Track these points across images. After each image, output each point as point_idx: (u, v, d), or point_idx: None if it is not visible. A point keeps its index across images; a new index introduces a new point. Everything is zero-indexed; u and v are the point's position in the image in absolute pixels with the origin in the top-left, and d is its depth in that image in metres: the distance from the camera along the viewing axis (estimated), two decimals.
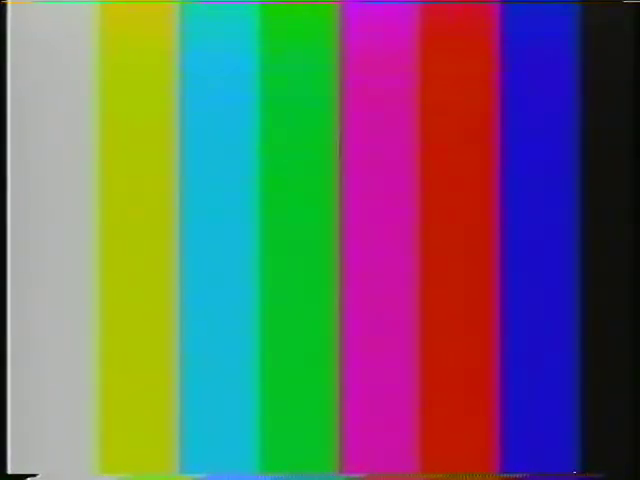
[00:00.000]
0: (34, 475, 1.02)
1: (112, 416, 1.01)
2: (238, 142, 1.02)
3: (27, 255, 1.01)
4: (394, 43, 1.01)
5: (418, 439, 1.01)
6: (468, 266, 1.01)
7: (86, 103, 1.02)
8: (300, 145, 1.01)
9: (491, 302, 1.01)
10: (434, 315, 1.01)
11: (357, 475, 1.01)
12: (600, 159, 1.01)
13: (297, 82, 1.02)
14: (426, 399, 1.01)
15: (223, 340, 1.01)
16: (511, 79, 1.01)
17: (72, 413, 1.01)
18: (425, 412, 1.01)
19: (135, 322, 1.01)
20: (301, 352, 1.01)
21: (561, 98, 1.01)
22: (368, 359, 1.01)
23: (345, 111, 1.02)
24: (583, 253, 1.01)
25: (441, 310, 1.01)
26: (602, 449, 1.01)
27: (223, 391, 1.01)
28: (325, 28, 1.02)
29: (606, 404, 1.01)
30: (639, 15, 1.02)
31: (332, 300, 1.01)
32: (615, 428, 1.01)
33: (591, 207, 1.01)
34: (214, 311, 1.01)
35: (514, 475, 1.01)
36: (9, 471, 1.02)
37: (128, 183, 1.02)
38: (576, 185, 1.01)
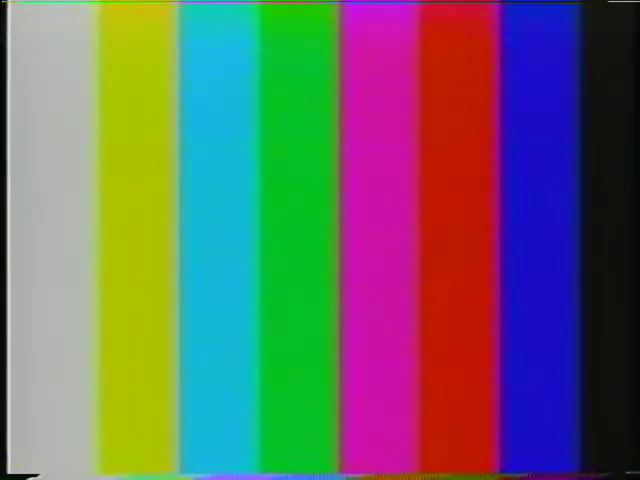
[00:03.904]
0: (34, 475, 1.01)
1: (112, 416, 1.01)
2: (238, 142, 1.02)
3: (27, 254, 1.01)
4: (394, 43, 1.01)
5: (418, 439, 1.01)
6: (468, 265, 1.01)
7: (86, 103, 1.02)
8: (300, 145, 1.01)
9: (491, 302, 1.01)
10: (434, 315, 1.01)
11: (357, 475, 1.01)
12: (600, 158, 1.01)
13: (297, 82, 1.02)
14: (426, 399, 1.01)
15: (223, 340, 1.01)
16: (511, 78, 1.01)
17: (72, 413, 1.01)
18: (425, 412, 1.01)
19: (135, 322, 1.01)
20: (301, 352, 1.01)
21: (561, 97, 1.01)
22: (368, 359, 1.01)
23: (345, 111, 1.02)
24: (583, 252, 1.01)
25: (441, 310, 1.01)
26: (602, 448, 1.01)
27: (223, 391, 1.01)
28: (325, 28, 1.02)
29: (606, 403, 1.01)
30: (639, 15, 1.02)
31: (332, 300, 1.01)
32: (615, 427, 1.01)
33: (591, 206, 1.01)
34: (214, 311, 1.01)
35: (514, 475, 1.01)
36: (9, 471, 1.02)
37: (128, 183, 1.02)
38: (576, 184, 1.01)
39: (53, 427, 1.01)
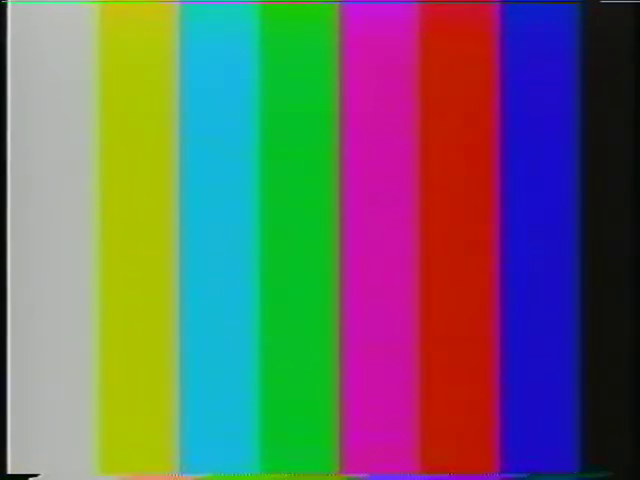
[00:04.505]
0: (34, 475, 1.02)
1: (112, 416, 1.01)
2: (238, 142, 1.02)
3: (27, 254, 1.02)
4: (394, 43, 1.01)
5: (418, 439, 1.01)
6: (468, 265, 1.01)
7: (86, 103, 1.02)
8: (300, 145, 1.01)
9: (491, 302, 1.01)
10: (434, 315, 1.01)
11: (357, 475, 1.01)
12: (600, 158, 1.01)
13: (297, 82, 1.02)
14: (426, 399, 1.01)
15: (223, 340, 1.01)
16: (511, 78, 1.01)
17: (72, 413, 1.01)
18: (425, 412, 1.01)
19: (135, 322, 1.01)
20: (301, 352, 1.01)
21: (561, 97, 1.01)
22: (368, 359, 1.01)
23: (345, 111, 1.02)
24: (583, 252, 1.01)
25: (441, 310, 1.01)
26: (602, 448, 1.01)
27: (223, 391, 1.01)
28: (325, 29, 1.02)
29: (606, 403, 1.01)
30: (639, 15, 1.02)
31: (332, 300, 1.01)
32: (615, 427, 1.01)
33: (591, 206, 1.01)
34: (214, 311, 1.01)
35: (514, 475, 1.01)
36: (9, 471, 1.02)
37: (128, 183, 1.02)
38: (576, 184, 1.01)
39: (53, 427, 1.01)
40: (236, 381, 1.01)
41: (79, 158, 1.02)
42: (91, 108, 1.02)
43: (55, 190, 1.02)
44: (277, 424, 1.01)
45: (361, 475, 1.01)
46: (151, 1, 1.02)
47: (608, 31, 1.01)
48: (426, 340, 1.01)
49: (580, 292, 1.01)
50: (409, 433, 1.01)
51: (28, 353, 1.01)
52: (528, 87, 1.01)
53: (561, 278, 1.01)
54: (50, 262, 1.01)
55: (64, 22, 1.02)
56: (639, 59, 1.02)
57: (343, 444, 1.01)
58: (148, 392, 1.01)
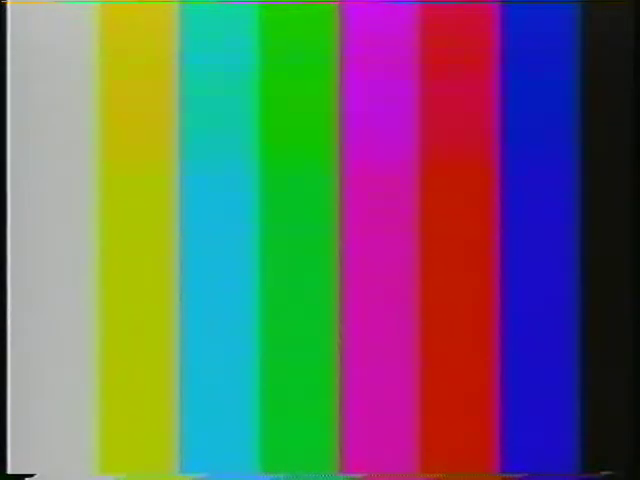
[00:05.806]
0: (33, 475, 1.01)
1: (112, 416, 1.01)
2: (238, 141, 1.02)
3: (27, 256, 1.02)
4: (394, 42, 1.01)
5: (418, 439, 1.01)
6: (468, 267, 1.01)
7: (86, 103, 1.02)
8: (300, 144, 1.02)
9: (491, 302, 1.01)
10: (434, 315, 1.01)
11: (357, 475, 1.01)
12: (600, 159, 1.01)
13: (297, 82, 1.02)
14: (426, 399, 1.01)
15: (223, 340, 1.01)
16: (511, 78, 1.01)
17: (72, 413, 1.01)
18: (425, 412, 1.01)
19: (135, 322, 1.01)
20: (301, 352, 1.01)
21: (561, 97, 1.01)
22: (368, 359, 1.01)
23: (345, 111, 1.02)
24: (583, 253, 1.01)
25: (441, 310, 1.01)
26: (602, 449, 1.01)
27: (223, 391, 1.01)
28: (325, 28, 1.02)
29: (606, 404, 1.01)
30: (639, 15, 1.02)
31: (332, 301, 1.01)
32: (615, 428, 1.01)
33: (591, 207, 1.01)
34: (214, 311, 1.01)
35: (514, 475, 1.01)
36: (9, 471, 1.02)
37: (128, 182, 1.02)
38: (576, 184, 1.01)
39: (53, 427, 1.01)
40: (236, 381, 1.01)
41: (79, 158, 1.02)
42: (91, 108, 1.02)
43: (55, 192, 1.02)
44: (277, 424, 1.01)
45: (361, 475, 1.01)
46: (151, 1, 1.02)
47: (608, 31, 1.01)
48: (426, 339, 1.01)
49: (580, 292, 1.01)
50: (409, 433, 1.01)
51: (28, 353, 1.01)
52: (528, 87, 1.01)
53: (561, 278, 1.01)
54: (50, 263, 1.01)
55: (64, 22, 1.02)
56: (639, 59, 1.02)
57: (343, 444, 1.01)
58: (148, 392, 1.01)
